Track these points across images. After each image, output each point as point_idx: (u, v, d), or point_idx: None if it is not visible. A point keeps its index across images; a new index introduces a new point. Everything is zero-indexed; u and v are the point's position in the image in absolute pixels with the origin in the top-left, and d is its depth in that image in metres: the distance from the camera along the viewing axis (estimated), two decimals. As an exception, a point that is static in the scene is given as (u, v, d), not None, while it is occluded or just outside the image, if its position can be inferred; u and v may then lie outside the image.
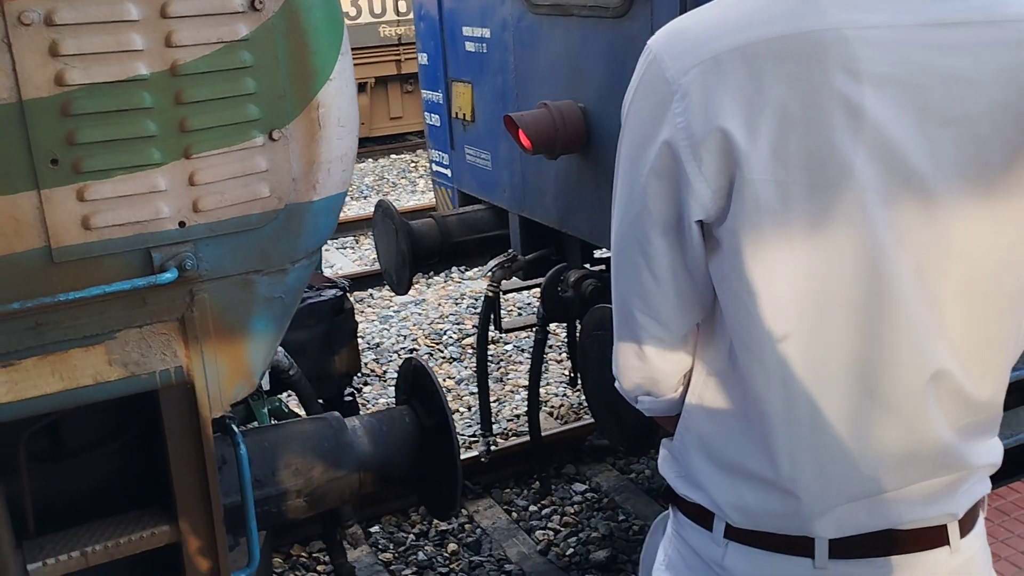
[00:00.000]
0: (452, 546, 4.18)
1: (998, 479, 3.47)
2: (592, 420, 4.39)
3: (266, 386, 2.47)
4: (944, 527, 1.30)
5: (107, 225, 1.76)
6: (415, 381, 2.60)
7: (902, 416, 1.22)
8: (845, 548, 1.28)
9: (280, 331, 2.03)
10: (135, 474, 2.10)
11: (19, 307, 1.67)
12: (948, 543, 1.31)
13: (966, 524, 1.33)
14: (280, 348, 2.52)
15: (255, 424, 2.57)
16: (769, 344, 1.19)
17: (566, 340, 5.22)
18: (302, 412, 2.85)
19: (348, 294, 2.94)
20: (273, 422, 2.72)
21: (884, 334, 1.17)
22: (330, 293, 2.83)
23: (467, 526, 4.34)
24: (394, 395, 5.37)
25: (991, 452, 1.34)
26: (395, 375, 5.86)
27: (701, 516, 1.36)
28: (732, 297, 1.20)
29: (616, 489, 4.55)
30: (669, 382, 1.36)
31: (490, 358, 5.81)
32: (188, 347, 1.89)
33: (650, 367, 1.34)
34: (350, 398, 3.06)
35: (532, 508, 4.47)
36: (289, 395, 3.09)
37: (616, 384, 1.46)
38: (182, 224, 1.83)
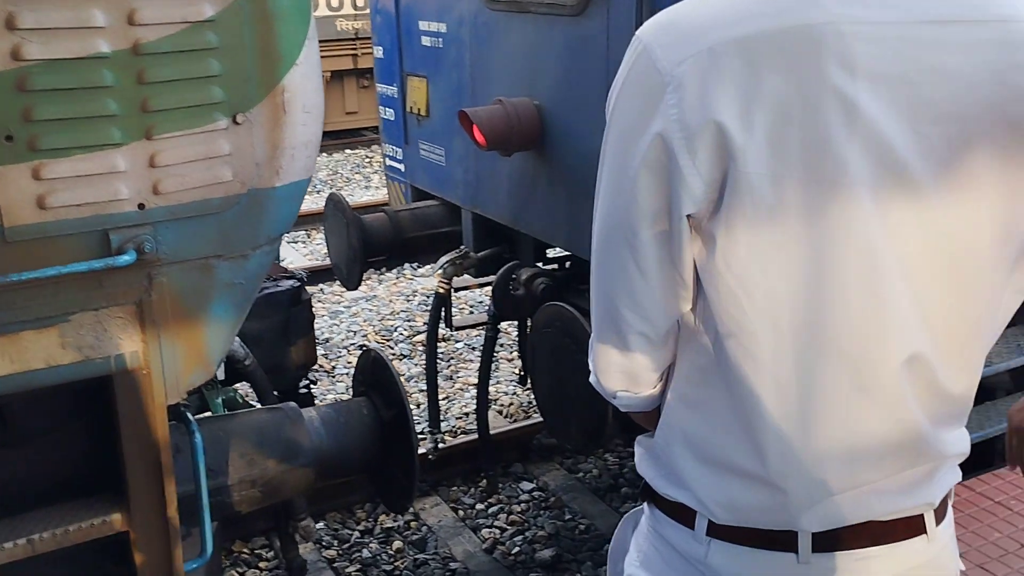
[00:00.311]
0: (397, 544, 4.16)
1: (965, 473, 3.63)
2: (541, 419, 4.39)
3: (221, 376, 2.43)
4: (921, 516, 1.32)
5: (63, 205, 1.72)
6: (373, 373, 2.58)
7: (886, 406, 1.23)
8: (828, 541, 1.28)
9: (240, 318, 2.00)
10: (86, 461, 2.05)
11: (-29, 286, 1.62)
12: (925, 532, 1.32)
13: (940, 512, 1.35)
14: (236, 338, 2.48)
15: (209, 414, 2.52)
16: (761, 338, 1.19)
17: (517, 339, 5.23)
18: (257, 404, 2.81)
19: (305, 285, 2.91)
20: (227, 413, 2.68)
21: (871, 326, 1.18)
22: (287, 284, 2.80)
23: (413, 524, 4.32)
24: (344, 390, 5.34)
25: (961, 441, 1.36)
26: (344, 371, 5.84)
27: (682, 514, 1.35)
28: (725, 291, 1.19)
29: (563, 488, 4.57)
30: (649, 378, 1.35)
31: (440, 355, 5.79)
32: (145, 332, 1.85)
33: (632, 363, 1.33)
34: (305, 390, 3.03)
35: (479, 506, 4.46)
36: (244, 386, 3.06)
37: (592, 379, 1.45)
38: (141, 206, 1.80)
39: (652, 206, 1.19)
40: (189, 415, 2.10)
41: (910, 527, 1.31)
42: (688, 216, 1.17)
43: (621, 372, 1.36)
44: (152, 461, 1.91)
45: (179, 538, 1.97)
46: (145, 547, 1.96)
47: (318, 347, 6.07)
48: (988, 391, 3.96)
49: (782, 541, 1.29)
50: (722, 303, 1.20)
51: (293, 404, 2.46)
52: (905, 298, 1.18)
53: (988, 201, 1.17)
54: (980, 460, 3.89)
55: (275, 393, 2.74)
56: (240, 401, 2.80)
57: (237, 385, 2.83)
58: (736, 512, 1.29)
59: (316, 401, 5.35)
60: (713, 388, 1.27)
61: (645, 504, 1.45)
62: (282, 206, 1.95)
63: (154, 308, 1.84)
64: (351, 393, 5.53)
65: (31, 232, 1.71)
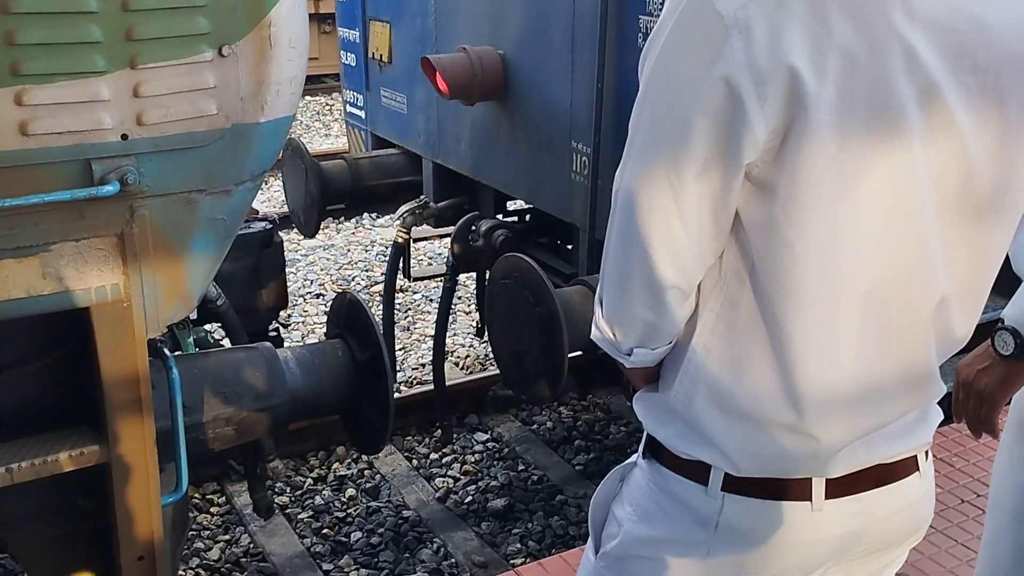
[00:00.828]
0: (350, 491, 4.17)
1: None
2: (497, 372, 4.44)
3: (193, 316, 2.42)
4: (915, 457, 1.36)
5: (46, 132, 1.69)
6: (348, 315, 2.59)
7: (913, 349, 1.27)
8: (838, 487, 1.30)
9: (221, 254, 1.99)
10: (63, 393, 2.04)
11: (-47, 212, 1.59)
12: (919, 469, 1.37)
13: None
14: (208, 276, 2.47)
15: (181, 353, 2.51)
16: (812, 286, 1.18)
17: (475, 291, 5.24)
18: (227, 345, 2.80)
19: (277, 228, 2.89)
20: (195, 352, 2.66)
21: (917, 271, 1.20)
22: (259, 226, 2.78)
23: (366, 472, 4.33)
24: (300, 339, 5.30)
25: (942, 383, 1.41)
26: (299, 320, 5.80)
27: (694, 471, 1.34)
28: (778, 241, 1.17)
29: (517, 440, 4.61)
30: (670, 332, 1.31)
31: (398, 306, 5.77)
32: (126, 265, 1.84)
33: (660, 317, 1.28)
34: (275, 333, 3.02)
35: (433, 456, 4.48)
36: (215, 327, 3.04)
37: (596, 335, 1.41)
38: (124, 137, 1.77)
39: (705, 153, 1.15)
40: (166, 351, 2.10)
41: (907, 467, 1.36)
42: (746, 166, 1.15)
43: (645, 327, 1.31)
44: (131, 395, 1.91)
45: (157, 472, 1.98)
46: (123, 480, 1.96)
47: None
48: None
49: (796, 491, 1.29)
50: (773, 254, 1.18)
51: (268, 344, 2.46)
52: (938, 243, 1.20)
53: (1012, 153, 1.20)
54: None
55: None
56: (211, 341, 2.79)
57: (207, 326, 2.82)
58: (763, 462, 1.28)
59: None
60: (743, 339, 1.25)
61: (641, 459, 1.43)
62: (266, 142, 1.94)
63: (136, 241, 1.83)
64: (306, 341, 5.53)
65: (13, 159, 1.68)
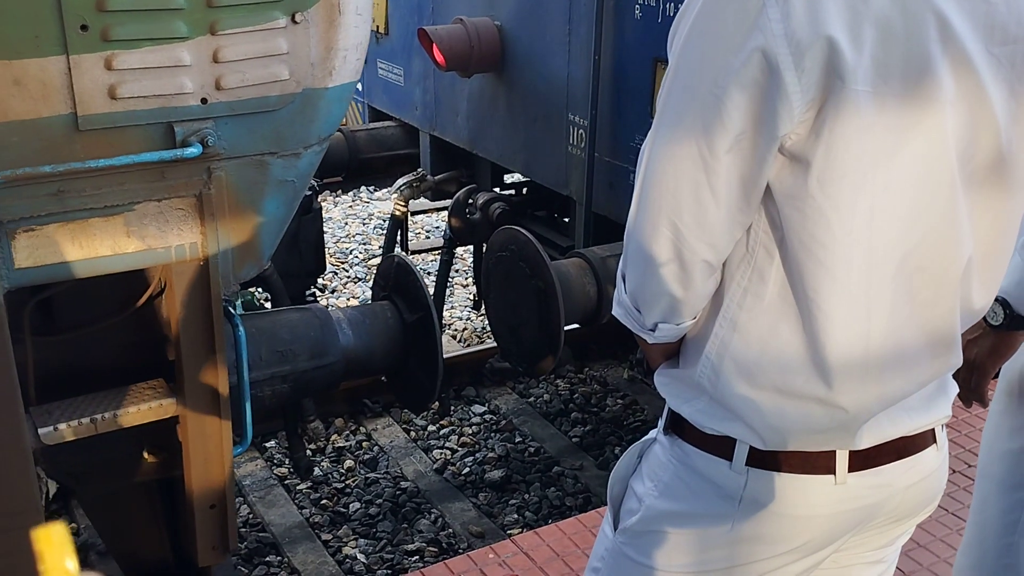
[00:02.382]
0: (348, 462, 4.15)
1: None
2: (494, 345, 4.40)
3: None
4: (933, 430, 1.38)
5: (133, 96, 1.77)
6: (397, 278, 2.68)
7: (938, 320, 1.27)
8: (861, 460, 1.31)
9: (289, 215, 2.08)
10: (136, 349, 2.13)
11: (50, 170, 1.67)
12: (936, 442, 1.38)
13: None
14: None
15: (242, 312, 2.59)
16: (844, 256, 1.18)
17: (472, 265, 5.15)
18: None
19: (316, 195, 2.97)
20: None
21: (948, 241, 1.22)
22: (304, 191, 2.85)
23: (364, 444, 4.34)
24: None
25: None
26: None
27: (719, 446, 1.33)
28: (812, 213, 1.16)
29: (514, 412, 4.58)
30: (696, 307, 1.31)
31: None
32: (203, 224, 1.92)
33: (688, 292, 1.27)
34: (311, 298, 3.11)
35: (431, 428, 4.45)
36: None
37: (618, 312, 1.40)
38: (204, 101, 1.85)
39: (738, 126, 1.14)
40: (232, 309, 2.18)
41: (926, 439, 1.37)
42: (780, 137, 1.14)
43: (670, 302, 1.29)
44: (207, 349, 2.00)
45: (230, 423, 2.07)
46: (197, 431, 2.05)
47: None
48: None
49: (821, 464, 1.30)
50: (807, 225, 1.18)
51: (320, 305, 2.55)
52: (965, 211, 1.22)
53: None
54: None
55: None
56: (257, 304, 2.87)
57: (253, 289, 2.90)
58: (790, 436, 1.29)
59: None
60: (771, 311, 1.25)
61: (662, 435, 1.43)
62: (333, 107, 2.02)
63: (213, 201, 1.91)
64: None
65: (102, 121, 1.76)
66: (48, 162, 1.72)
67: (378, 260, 5.64)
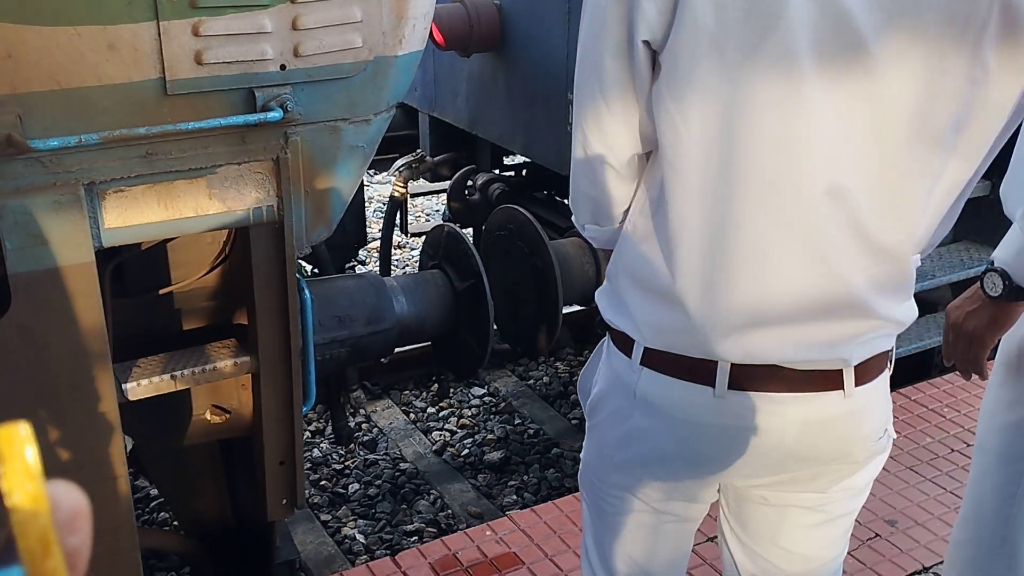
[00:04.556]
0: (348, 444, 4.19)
1: (904, 383, 3.79)
2: (494, 325, 4.46)
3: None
4: (840, 373, 1.38)
5: (217, 62, 1.83)
6: (447, 246, 2.74)
7: (806, 242, 1.29)
8: (743, 380, 1.37)
9: (357, 181, 2.14)
10: (210, 309, 2.19)
11: (145, 131, 1.73)
12: (842, 388, 1.38)
13: (864, 374, 1.40)
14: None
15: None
16: (692, 164, 1.28)
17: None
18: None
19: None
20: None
21: (795, 159, 1.25)
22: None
23: (364, 425, 4.36)
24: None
25: (900, 309, 1.41)
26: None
27: (625, 343, 1.46)
28: (665, 117, 1.28)
29: (514, 394, 4.62)
30: (613, 212, 1.46)
31: (395, 262, 5.69)
32: (280, 187, 1.98)
33: (599, 194, 1.43)
34: (351, 270, 3.17)
35: (430, 410, 4.48)
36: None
37: (574, 219, 1.57)
38: (283, 67, 1.91)
39: (616, 35, 1.28)
40: (297, 273, 2.25)
41: (827, 381, 1.38)
42: (646, 43, 1.26)
43: (589, 204, 1.47)
44: (281, 309, 2.06)
45: (300, 381, 2.14)
46: (270, 389, 2.12)
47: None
48: (930, 305, 4.06)
49: (702, 374, 1.38)
50: (663, 129, 1.29)
51: (375, 272, 2.62)
52: (831, 132, 1.23)
53: (936, 58, 1.21)
54: (919, 370, 4.08)
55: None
56: (305, 272, 2.94)
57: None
58: (663, 335, 1.40)
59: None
60: (658, 217, 1.37)
61: (606, 335, 1.56)
62: (401, 75, 2.08)
63: (289, 165, 1.97)
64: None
65: (188, 86, 1.82)
66: (138, 125, 1.78)
67: (378, 244, 5.65)
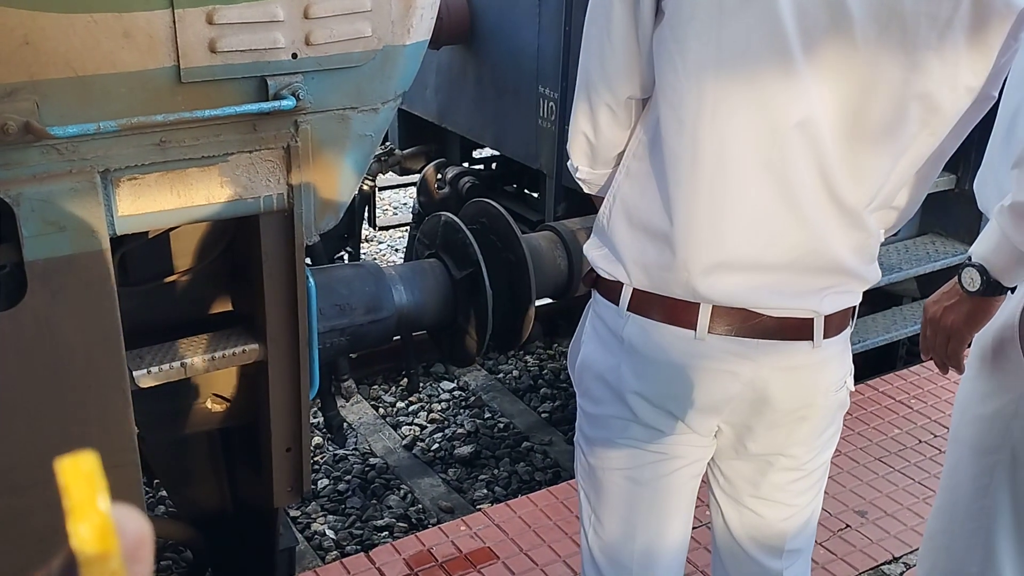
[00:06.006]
0: (316, 439, 4.13)
1: (869, 375, 3.83)
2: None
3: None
4: (810, 323, 1.49)
5: (231, 50, 1.84)
6: (444, 235, 2.77)
7: (779, 183, 1.39)
8: (721, 324, 1.47)
9: (364, 170, 2.15)
10: (217, 296, 2.20)
11: (161, 119, 1.74)
12: (812, 338, 1.50)
13: (832, 327, 1.51)
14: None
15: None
16: (687, 101, 1.37)
17: None
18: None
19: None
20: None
21: (773, 91, 1.35)
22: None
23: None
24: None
25: (866, 269, 1.52)
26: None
27: (612, 292, 1.54)
28: (665, 56, 1.39)
29: (483, 388, 4.60)
30: (607, 154, 1.56)
31: (363, 255, 5.64)
32: (289, 175, 1.99)
33: (595, 133, 1.53)
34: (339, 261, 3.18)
35: (399, 405, 4.45)
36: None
37: (568, 163, 1.65)
38: (295, 56, 1.92)
39: None
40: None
41: (800, 331, 1.49)
42: None
43: (585, 144, 1.56)
44: (290, 296, 2.08)
45: (308, 369, 2.15)
46: (278, 376, 2.13)
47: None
48: (895, 297, 4.12)
49: (683, 318, 1.48)
50: (663, 69, 1.40)
51: (373, 262, 2.63)
52: (810, 73, 1.34)
53: (912, 40, 1.32)
54: (884, 361, 4.12)
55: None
56: (303, 264, 2.94)
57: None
58: (648, 272, 1.48)
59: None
60: (652, 158, 1.46)
61: (593, 291, 1.64)
62: (409, 64, 2.10)
63: (299, 154, 1.98)
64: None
65: (202, 74, 1.82)
66: (153, 113, 1.78)
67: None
